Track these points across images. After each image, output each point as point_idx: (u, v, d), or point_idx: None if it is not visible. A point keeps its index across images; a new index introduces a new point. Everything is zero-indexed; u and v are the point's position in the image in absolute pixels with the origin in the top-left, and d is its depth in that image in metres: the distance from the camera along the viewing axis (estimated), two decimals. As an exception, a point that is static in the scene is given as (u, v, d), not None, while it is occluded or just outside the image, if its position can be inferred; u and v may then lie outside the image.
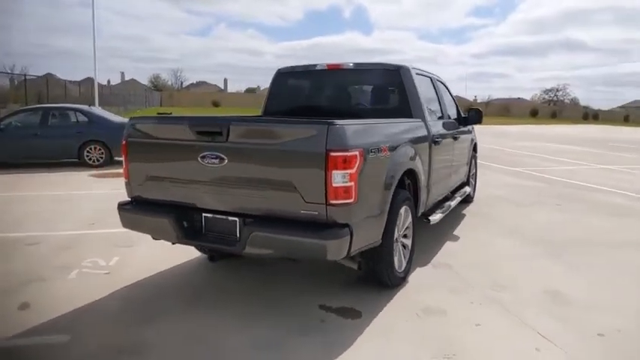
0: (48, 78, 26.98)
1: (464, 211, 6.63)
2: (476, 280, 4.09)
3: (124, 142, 3.61)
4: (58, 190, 8.10)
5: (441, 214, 4.82)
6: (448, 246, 5.07)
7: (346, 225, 2.96)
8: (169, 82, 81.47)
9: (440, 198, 5.19)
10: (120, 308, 3.55)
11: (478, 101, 69.77)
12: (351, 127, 3.01)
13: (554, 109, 68.18)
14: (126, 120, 11.87)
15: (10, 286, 3.89)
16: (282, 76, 5.13)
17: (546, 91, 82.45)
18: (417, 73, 4.69)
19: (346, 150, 2.89)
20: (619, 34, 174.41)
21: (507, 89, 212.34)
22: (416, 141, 4.08)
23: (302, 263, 4.34)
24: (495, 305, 3.61)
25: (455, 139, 5.48)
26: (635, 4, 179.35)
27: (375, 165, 3.24)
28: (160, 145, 3.45)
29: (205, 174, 3.24)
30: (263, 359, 2.85)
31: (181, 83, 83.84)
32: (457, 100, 6.39)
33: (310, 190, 2.94)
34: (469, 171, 6.84)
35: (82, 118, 10.92)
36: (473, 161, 7.11)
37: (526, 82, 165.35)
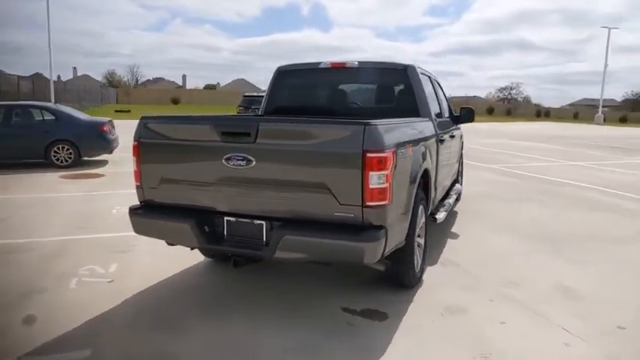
0: (-3, 73, 25.52)
1: (454, 209, 6.73)
2: (486, 278, 4.15)
3: (135, 144, 3.42)
4: (29, 193, 7.64)
5: (444, 213, 4.87)
6: (450, 244, 5.13)
7: (382, 227, 2.93)
8: (125, 79, 78.86)
9: (440, 197, 5.25)
10: (136, 317, 3.38)
11: (437, 99, 71.08)
12: (384, 127, 2.97)
13: (508, 106, 70.65)
14: (96, 118, 11.48)
15: (8, 298, 3.62)
16: (283, 74, 5.03)
17: (501, 90, 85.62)
18: (420, 72, 4.71)
19: (382, 151, 2.85)
20: (567, 35, 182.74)
21: (463, 87, 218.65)
22: (428, 140, 4.09)
23: (311, 265, 4.26)
24: (512, 302, 3.67)
25: (452, 137, 5.55)
26: (581, 6, 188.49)
27: (403, 165, 3.22)
28: (179, 146, 3.30)
29: (230, 176, 3.12)
30: (300, 366, 2.78)
31: (137, 80, 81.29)
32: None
33: (345, 192, 2.88)
34: (459, 169, 6.96)
35: (48, 116, 10.33)
36: (461, 159, 7.24)
37: (480, 81, 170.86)
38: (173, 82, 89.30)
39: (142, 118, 3.45)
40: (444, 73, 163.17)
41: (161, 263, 4.42)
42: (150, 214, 3.43)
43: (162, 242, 4.76)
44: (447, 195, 5.72)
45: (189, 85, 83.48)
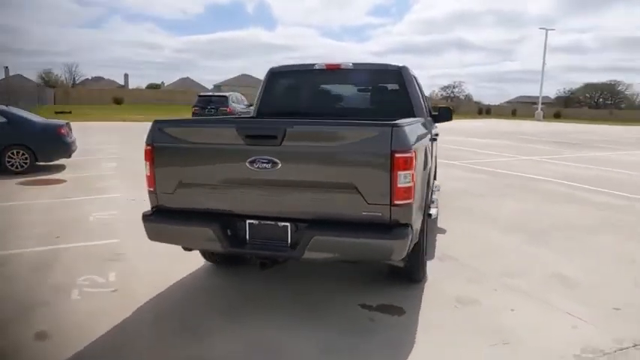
0: None
1: (433, 204, 6.98)
2: (486, 270, 4.36)
3: (148, 148, 3.33)
4: (-12, 201, 7.17)
5: (436, 208, 5.05)
6: (442, 239, 5.32)
7: (408, 224, 3.03)
8: (62, 78, 74.78)
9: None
10: (154, 325, 3.30)
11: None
12: (408, 127, 3.07)
13: (452, 104, 73.34)
14: (52, 121, 10.88)
15: (10, 314, 3.42)
16: (276, 75, 5.03)
17: (444, 88, 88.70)
18: (412, 73, 4.85)
19: (408, 150, 2.94)
20: (501, 35, 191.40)
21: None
22: (428, 138, 4.24)
23: (317, 265, 4.30)
24: (516, 291, 3.89)
25: (437, 135, 5.76)
26: (513, 7, 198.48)
27: (420, 164, 3.34)
28: (198, 149, 3.24)
29: (254, 179, 3.10)
30: (337, 364, 2.83)
31: (74, 79, 77.25)
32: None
33: (373, 192, 2.95)
34: (435, 166, 7.21)
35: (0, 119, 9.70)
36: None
37: (423, 80, 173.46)
38: (114, 81, 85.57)
39: (156, 121, 3.36)
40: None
41: (160, 268, 4.32)
42: (167, 219, 3.34)
43: (153, 248, 4.69)
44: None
45: (132, 85, 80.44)
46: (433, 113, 6.32)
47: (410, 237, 3.02)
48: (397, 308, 3.56)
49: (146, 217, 3.38)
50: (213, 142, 3.22)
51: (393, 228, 2.97)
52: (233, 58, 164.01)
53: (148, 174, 3.37)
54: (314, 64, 4.89)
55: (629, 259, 4.72)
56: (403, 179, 2.94)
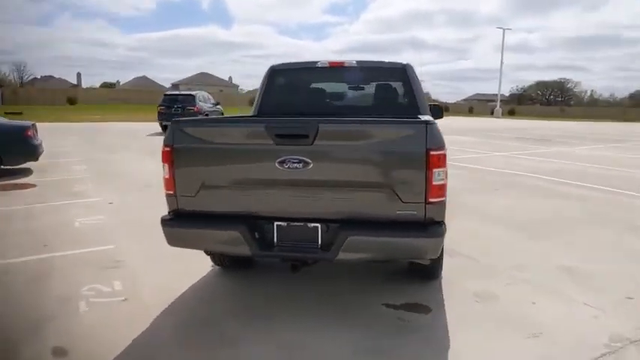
0: None
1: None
2: (495, 265, 4.43)
3: (167, 149, 3.16)
4: (-44, 209, 6.68)
5: None
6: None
7: (441, 222, 3.02)
8: (10, 77, 70.93)
9: None
10: (178, 334, 3.15)
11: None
12: (438, 125, 3.06)
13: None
14: (18, 122, 10.27)
15: (19, 330, 3.18)
16: (277, 73, 4.92)
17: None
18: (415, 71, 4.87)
19: (442, 148, 2.94)
20: (454, 34, 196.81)
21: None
22: None
23: (326, 266, 4.23)
24: (530, 284, 3.96)
25: None
26: (465, 7, 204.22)
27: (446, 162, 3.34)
28: (222, 150, 3.12)
29: (284, 180, 3.01)
30: (379, 366, 2.79)
31: (22, 78, 73.45)
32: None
33: (409, 190, 2.93)
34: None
35: (-41, 120, 9.08)
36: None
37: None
38: (65, 80, 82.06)
39: (175, 121, 3.20)
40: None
41: (165, 274, 4.17)
42: (189, 223, 3.20)
43: (152, 253, 4.58)
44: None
45: (85, 84, 77.42)
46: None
47: (444, 234, 3.01)
48: (423, 306, 3.55)
49: (166, 222, 3.22)
50: (240, 142, 3.11)
51: (428, 226, 2.96)
52: (189, 56, 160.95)
53: (167, 176, 3.20)
54: (316, 62, 4.82)
55: (627, 249, 4.91)
56: (437, 177, 2.92)
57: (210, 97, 22.58)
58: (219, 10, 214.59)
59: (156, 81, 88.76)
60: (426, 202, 2.93)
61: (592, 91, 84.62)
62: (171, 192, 3.22)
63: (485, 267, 4.37)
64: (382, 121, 3.20)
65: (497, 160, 12.46)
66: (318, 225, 3.08)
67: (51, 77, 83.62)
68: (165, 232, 3.23)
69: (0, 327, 3.26)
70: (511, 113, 61.71)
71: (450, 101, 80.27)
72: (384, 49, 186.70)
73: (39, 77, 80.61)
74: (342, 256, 2.98)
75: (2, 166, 9.09)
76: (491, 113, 51.82)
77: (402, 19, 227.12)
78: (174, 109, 19.60)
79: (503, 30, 51.89)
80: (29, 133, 9.46)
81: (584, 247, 5.01)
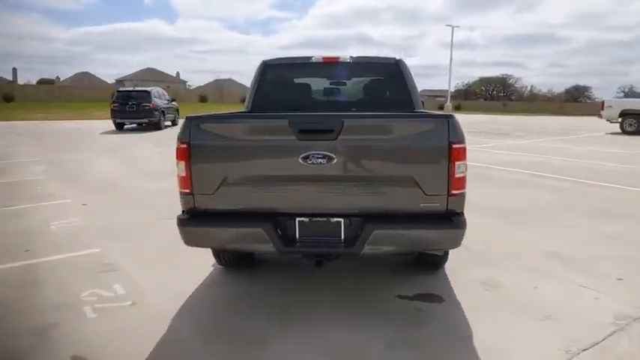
0: None
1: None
2: (489, 253, 4.60)
3: (183, 146, 3.05)
4: None
5: None
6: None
7: (462, 213, 3.11)
8: None
9: None
10: (202, 336, 3.06)
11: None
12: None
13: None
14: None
15: (26, 341, 2.99)
16: (270, 68, 4.86)
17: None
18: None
19: (463, 141, 3.02)
20: (401, 31, 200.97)
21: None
22: None
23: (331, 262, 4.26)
24: (526, 270, 4.15)
25: None
26: (411, 5, 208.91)
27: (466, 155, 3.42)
28: (243, 146, 3.05)
29: (307, 175, 2.99)
30: (407, 358, 2.84)
31: (-52, 74, 68.20)
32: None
33: (432, 183, 2.99)
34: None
35: None
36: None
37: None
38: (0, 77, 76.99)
39: (190, 118, 3.10)
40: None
41: (165, 275, 4.08)
42: (209, 222, 3.11)
43: (143, 254, 4.50)
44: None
45: (21, 80, 72.81)
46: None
47: (466, 225, 3.10)
48: (435, 296, 3.64)
49: (183, 221, 3.12)
50: (261, 138, 3.06)
51: (451, 217, 3.04)
52: (133, 51, 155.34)
53: (183, 174, 3.10)
54: (310, 57, 4.81)
55: (602, 235, 5.23)
56: (459, 169, 3.01)
57: (165, 93, 21.91)
58: (162, 4, 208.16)
59: (99, 77, 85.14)
60: (449, 194, 3.01)
61: (532, 86, 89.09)
62: (188, 190, 3.12)
63: (483, 256, 4.50)
64: (406, 116, 3.26)
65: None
66: (341, 220, 3.09)
67: (-19, 73, 78.10)
68: (182, 232, 3.13)
69: (4, 334, 3.05)
70: (458, 108, 63.81)
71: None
72: (333, 44, 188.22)
73: (-32, 73, 75.16)
74: (367, 249, 3.01)
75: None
76: (441, 108, 53.33)
77: (349, 15, 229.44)
78: (128, 105, 18.92)
79: (452, 28, 53.22)
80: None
81: (565, 233, 5.29)
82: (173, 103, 22.26)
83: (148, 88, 20.15)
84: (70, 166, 10.25)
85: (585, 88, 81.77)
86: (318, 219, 3.10)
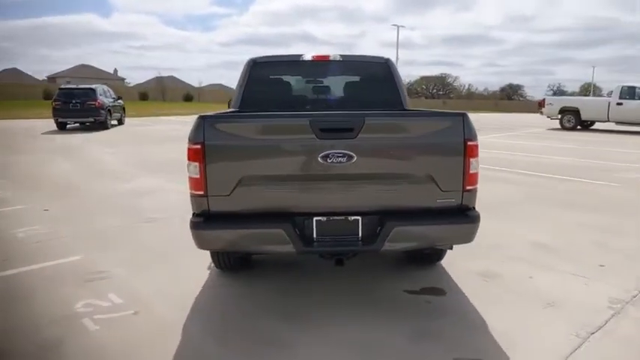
0: None
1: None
2: (478, 245, 4.70)
3: (196, 147, 2.93)
4: None
5: None
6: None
7: (474, 208, 3.21)
8: None
9: None
10: (225, 344, 2.95)
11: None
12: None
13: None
14: None
15: (28, 352, 2.77)
16: (259, 66, 4.75)
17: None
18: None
19: (476, 139, 3.12)
20: (343, 30, 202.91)
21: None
22: None
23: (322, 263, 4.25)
24: (517, 261, 4.33)
25: None
26: (355, 4, 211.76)
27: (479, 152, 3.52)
28: (260, 146, 2.97)
29: (326, 174, 2.97)
30: (432, 349, 2.89)
31: None
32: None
33: (448, 179, 3.06)
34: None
35: None
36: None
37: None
38: None
39: (204, 117, 2.98)
40: (236, 63, 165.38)
41: (160, 281, 3.95)
42: (226, 224, 3.00)
43: (130, 259, 4.41)
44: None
45: (-63, 77, 66.89)
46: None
47: (480, 219, 3.20)
48: (438, 289, 3.73)
49: (197, 224, 2.99)
50: (280, 138, 3.00)
51: (466, 212, 3.13)
52: (65, 46, 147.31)
53: (197, 176, 2.97)
54: (300, 55, 4.76)
55: (575, 224, 5.56)
56: (473, 166, 3.10)
57: (110, 90, 20.90)
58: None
59: (29, 73, 79.95)
60: (464, 190, 3.09)
61: (469, 85, 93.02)
62: (201, 192, 3.00)
63: (473, 248, 4.57)
64: (423, 114, 3.31)
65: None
66: (359, 218, 3.09)
67: None
68: (196, 235, 3.02)
69: (10, 356, 2.81)
70: (402, 106, 65.48)
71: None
72: (276, 42, 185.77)
73: None
74: (387, 246, 3.03)
75: None
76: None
77: (292, 13, 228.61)
78: (72, 104, 17.93)
79: (398, 27, 54.84)
80: None
81: (541, 224, 5.58)
82: (119, 101, 21.30)
83: (93, 86, 19.17)
84: (17, 169, 9.57)
85: (518, 87, 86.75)
86: (336, 217, 3.09)
